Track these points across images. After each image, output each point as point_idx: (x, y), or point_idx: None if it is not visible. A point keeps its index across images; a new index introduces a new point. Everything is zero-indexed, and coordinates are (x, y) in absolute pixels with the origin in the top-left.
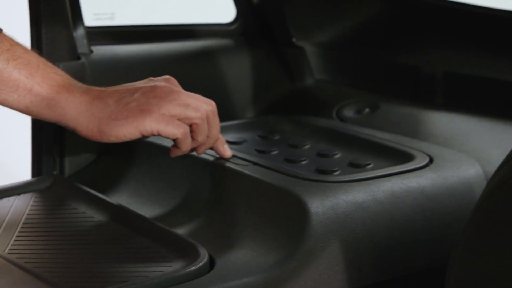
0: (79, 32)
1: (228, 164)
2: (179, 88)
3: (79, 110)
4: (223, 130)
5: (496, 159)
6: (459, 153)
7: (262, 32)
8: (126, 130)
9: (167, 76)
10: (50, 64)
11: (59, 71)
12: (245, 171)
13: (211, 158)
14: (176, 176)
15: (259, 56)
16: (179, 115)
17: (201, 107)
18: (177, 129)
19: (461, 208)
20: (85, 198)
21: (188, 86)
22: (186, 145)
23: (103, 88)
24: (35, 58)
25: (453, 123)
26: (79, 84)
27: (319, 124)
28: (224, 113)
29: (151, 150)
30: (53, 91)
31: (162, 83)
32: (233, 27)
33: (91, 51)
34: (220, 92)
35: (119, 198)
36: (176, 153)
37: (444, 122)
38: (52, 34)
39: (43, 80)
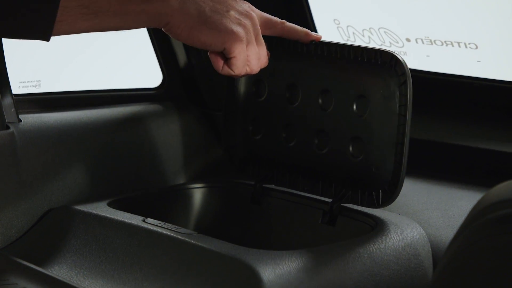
0: (7, 101)
1: (172, 234)
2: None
3: (174, 8)
4: None
5: (437, 221)
6: (400, 216)
7: (190, 96)
8: (214, 41)
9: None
10: None
11: None
12: (192, 241)
13: (153, 228)
14: (117, 247)
15: (189, 121)
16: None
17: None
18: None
19: (407, 271)
20: (23, 271)
21: (117, 152)
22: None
23: None
24: None
25: None
26: None
27: None
28: (155, 179)
29: (87, 220)
30: None
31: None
32: (160, 91)
33: (20, 120)
34: (151, 157)
35: (59, 271)
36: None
37: None
38: None
39: None
